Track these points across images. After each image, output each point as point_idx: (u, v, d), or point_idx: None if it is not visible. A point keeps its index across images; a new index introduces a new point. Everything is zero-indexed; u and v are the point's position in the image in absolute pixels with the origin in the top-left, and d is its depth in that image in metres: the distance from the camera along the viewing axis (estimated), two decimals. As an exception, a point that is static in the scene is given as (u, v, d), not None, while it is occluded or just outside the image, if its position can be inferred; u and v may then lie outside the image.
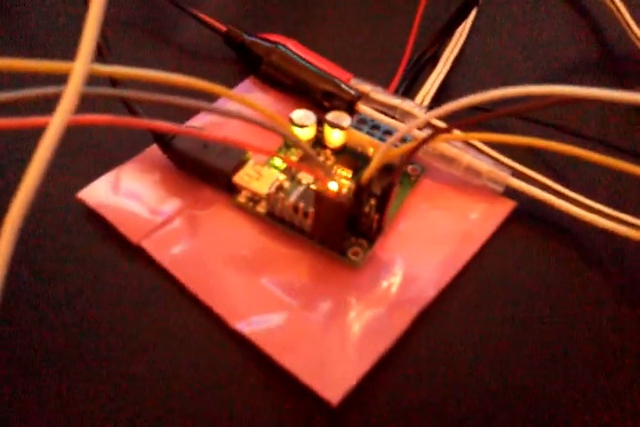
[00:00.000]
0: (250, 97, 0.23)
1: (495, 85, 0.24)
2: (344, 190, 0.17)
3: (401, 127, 0.20)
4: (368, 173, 0.17)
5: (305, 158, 0.21)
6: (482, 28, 0.27)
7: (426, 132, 0.20)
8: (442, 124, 0.20)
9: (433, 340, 0.18)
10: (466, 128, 0.19)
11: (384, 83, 0.22)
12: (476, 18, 0.27)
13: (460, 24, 0.25)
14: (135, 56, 0.25)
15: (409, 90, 0.23)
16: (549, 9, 0.28)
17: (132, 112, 0.19)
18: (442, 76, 0.23)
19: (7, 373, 0.16)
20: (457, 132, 0.19)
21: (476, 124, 0.17)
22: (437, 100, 0.23)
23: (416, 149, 0.16)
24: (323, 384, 0.16)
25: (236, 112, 0.14)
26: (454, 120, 0.16)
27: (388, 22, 0.27)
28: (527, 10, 0.28)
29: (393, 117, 0.21)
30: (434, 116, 0.15)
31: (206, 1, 0.26)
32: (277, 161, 0.20)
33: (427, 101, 0.22)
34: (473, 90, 0.24)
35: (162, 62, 0.24)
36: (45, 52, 0.24)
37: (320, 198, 0.17)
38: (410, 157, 0.16)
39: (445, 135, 0.16)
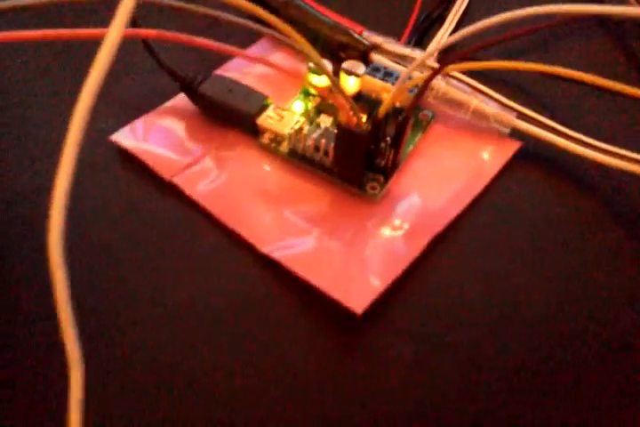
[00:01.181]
0: (270, 51, 0.24)
1: (497, 47, 0.26)
2: (360, 125, 0.18)
3: (414, 73, 0.22)
4: (384, 108, 0.18)
5: (322, 105, 0.22)
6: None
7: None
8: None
9: (444, 265, 0.19)
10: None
11: (394, 37, 0.24)
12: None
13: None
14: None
15: (419, 45, 0.24)
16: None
17: (154, 57, 0.20)
18: (449, 32, 0.25)
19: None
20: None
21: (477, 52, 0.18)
22: (446, 52, 0.24)
23: (428, 81, 0.17)
24: (348, 296, 0.17)
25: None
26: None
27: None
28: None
29: (404, 66, 0.22)
30: (432, 53, 0.17)
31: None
32: (297, 107, 0.22)
33: (435, 53, 0.24)
34: (474, 44, 0.26)
35: (173, 20, 0.26)
36: None
37: (342, 130, 0.18)
38: (423, 90, 0.18)
39: (452, 66, 0.17)
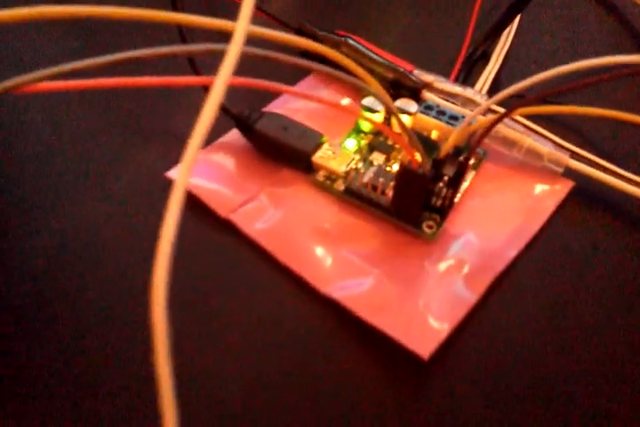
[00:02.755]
0: (316, 89, 0.24)
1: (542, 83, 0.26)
2: (421, 166, 0.18)
3: (466, 112, 0.22)
4: (445, 149, 0.18)
5: (375, 142, 0.22)
6: (527, 27, 0.28)
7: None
8: (500, 110, 0.22)
9: (505, 306, 0.19)
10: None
11: (441, 75, 0.24)
12: (521, 17, 0.28)
13: (512, 20, 0.26)
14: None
15: (465, 82, 0.24)
16: (584, 9, 0.30)
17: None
18: (495, 69, 0.25)
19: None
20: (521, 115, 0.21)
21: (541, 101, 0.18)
22: (493, 90, 0.24)
23: (494, 124, 0.17)
24: (414, 341, 0.17)
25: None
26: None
27: (443, 17, 0.28)
28: (566, 10, 0.30)
29: (455, 104, 0.22)
30: (500, 100, 0.17)
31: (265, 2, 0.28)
32: (349, 144, 0.22)
33: (484, 90, 0.24)
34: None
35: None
36: None
37: (405, 172, 0.18)
38: (488, 132, 0.18)
39: (522, 109, 0.17)
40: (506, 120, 0.22)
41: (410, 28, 0.28)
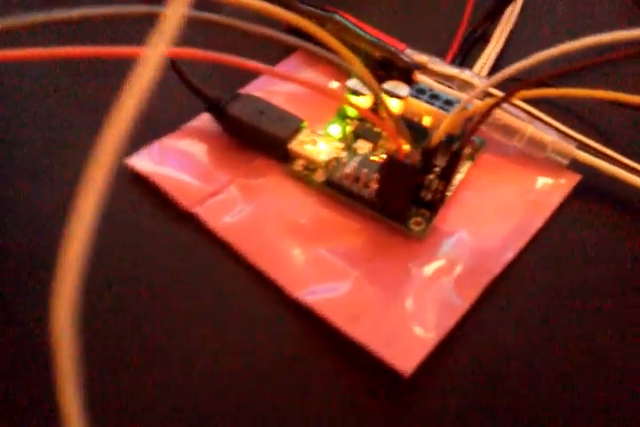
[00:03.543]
0: (299, 69, 0.22)
1: (548, 63, 0.24)
2: (409, 156, 0.16)
3: (463, 96, 0.19)
4: (437, 137, 0.16)
5: (360, 129, 0.20)
6: (532, 5, 0.26)
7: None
8: (499, 93, 0.19)
9: (500, 313, 0.17)
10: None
11: (436, 56, 0.22)
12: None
13: (509, 3, 0.24)
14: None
15: (463, 64, 0.22)
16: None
17: (180, 74, 0.18)
18: (496, 51, 0.23)
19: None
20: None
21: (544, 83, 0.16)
22: (493, 74, 0.22)
23: (491, 109, 0.15)
24: (394, 355, 0.15)
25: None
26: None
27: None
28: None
29: (449, 87, 0.20)
30: (500, 80, 0.15)
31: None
32: (333, 130, 0.20)
33: (483, 73, 0.22)
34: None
35: (207, 36, 0.24)
36: None
37: (391, 161, 0.16)
38: (485, 118, 0.15)
39: (523, 92, 0.15)
40: (506, 106, 0.20)
41: (402, 3, 0.25)
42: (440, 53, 0.22)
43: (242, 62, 0.14)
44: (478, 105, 0.16)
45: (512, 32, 0.24)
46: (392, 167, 0.16)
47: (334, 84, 0.22)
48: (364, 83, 0.15)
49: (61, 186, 0.19)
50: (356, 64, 0.15)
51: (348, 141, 0.19)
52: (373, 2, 0.25)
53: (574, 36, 0.26)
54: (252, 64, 0.15)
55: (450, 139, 0.18)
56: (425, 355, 0.15)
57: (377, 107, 0.20)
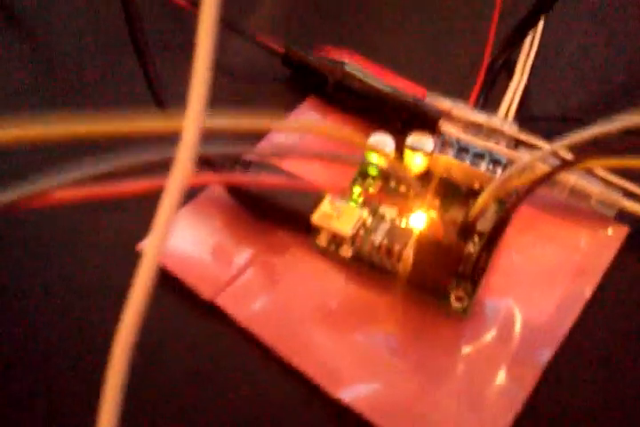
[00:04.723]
0: (311, 122, 0.20)
1: (578, 93, 0.22)
2: (446, 231, 0.15)
3: (506, 152, 0.18)
4: (478, 209, 0.15)
5: (385, 189, 0.18)
6: (554, 34, 0.24)
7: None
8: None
9: (559, 396, 0.15)
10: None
11: (458, 96, 0.20)
12: (546, 24, 0.24)
13: (530, 28, 0.22)
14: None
15: (486, 104, 0.20)
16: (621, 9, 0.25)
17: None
18: (521, 87, 0.21)
19: None
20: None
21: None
22: (521, 112, 0.20)
23: (550, 177, 0.13)
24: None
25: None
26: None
27: (452, 29, 0.24)
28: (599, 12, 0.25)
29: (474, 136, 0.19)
30: (561, 148, 0.13)
31: (249, 18, 0.24)
32: (359, 199, 0.18)
33: (511, 113, 0.20)
34: (556, 99, 0.22)
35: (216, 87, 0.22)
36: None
37: (427, 243, 0.14)
38: (532, 190, 0.14)
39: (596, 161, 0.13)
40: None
41: (415, 39, 0.24)
42: (460, 91, 0.20)
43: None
44: (533, 174, 0.14)
45: (536, 59, 0.22)
46: (429, 248, 0.15)
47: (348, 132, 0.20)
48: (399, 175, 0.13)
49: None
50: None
51: (373, 205, 0.18)
52: (380, 38, 0.23)
53: (605, 58, 0.23)
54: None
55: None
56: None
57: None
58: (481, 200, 0.15)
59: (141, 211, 0.18)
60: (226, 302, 0.16)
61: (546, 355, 0.15)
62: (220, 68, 0.23)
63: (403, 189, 0.18)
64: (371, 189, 0.18)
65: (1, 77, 0.22)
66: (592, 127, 0.13)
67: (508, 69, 0.22)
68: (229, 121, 0.09)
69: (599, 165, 0.14)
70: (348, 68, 0.19)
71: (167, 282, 0.17)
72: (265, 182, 0.15)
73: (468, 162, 0.18)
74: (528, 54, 0.22)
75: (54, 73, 0.23)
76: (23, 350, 0.16)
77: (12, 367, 0.16)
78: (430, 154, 0.18)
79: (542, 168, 0.16)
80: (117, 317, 0.09)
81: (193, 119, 0.08)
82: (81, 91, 0.22)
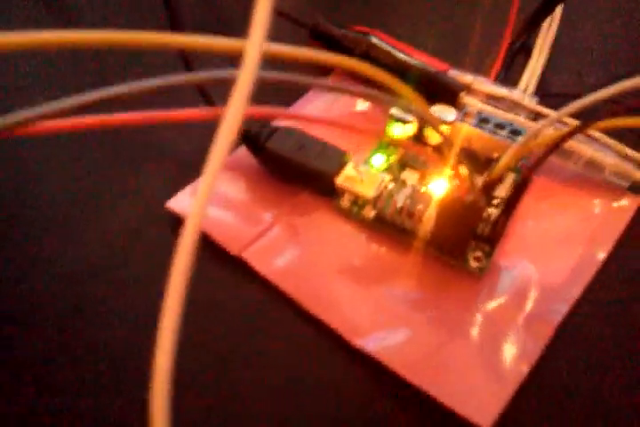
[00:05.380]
0: (334, 96, 0.21)
1: (595, 72, 0.23)
2: (469, 192, 0.15)
3: (520, 121, 0.18)
4: (500, 169, 0.15)
5: (406, 158, 0.19)
6: (572, 16, 0.25)
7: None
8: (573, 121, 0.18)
9: (571, 354, 0.16)
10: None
11: (479, 72, 0.21)
12: (565, 7, 0.24)
13: (548, 14, 0.23)
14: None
15: (506, 79, 0.21)
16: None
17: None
18: (540, 64, 0.22)
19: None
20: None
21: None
22: (540, 89, 0.21)
23: (564, 140, 0.14)
24: (471, 409, 0.14)
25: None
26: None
27: (468, 7, 0.25)
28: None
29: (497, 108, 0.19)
30: (567, 114, 0.14)
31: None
32: (377, 161, 0.19)
33: (530, 90, 0.21)
34: (572, 77, 0.22)
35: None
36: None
37: (450, 202, 0.15)
38: (554, 149, 0.14)
39: (603, 122, 0.14)
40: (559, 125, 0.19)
41: (437, 19, 0.24)
42: (481, 68, 0.21)
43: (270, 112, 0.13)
44: (545, 136, 0.14)
45: (554, 40, 0.23)
46: (452, 206, 0.15)
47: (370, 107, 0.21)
48: (419, 113, 0.14)
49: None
50: (408, 93, 0.13)
51: (395, 172, 0.18)
52: (405, 18, 0.24)
53: (622, 39, 0.24)
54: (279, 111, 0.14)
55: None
56: (503, 406, 0.14)
57: (423, 134, 0.19)
58: (501, 164, 0.15)
59: (162, 173, 0.19)
60: (252, 256, 0.17)
61: (560, 312, 0.16)
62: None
63: (422, 158, 0.19)
64: (392, 157, 0.19)
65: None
66: (593, 93, 0.13)
67: (527, 50, 0.23)
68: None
69: (605, 128, 0.14)
70: (374, 40, 0.20)
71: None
72: (315, 119, 0.15)
73: (487, 132, 0.18)
74: (546, 35, 0.23)
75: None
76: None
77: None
78: (452, 123, 0.18)
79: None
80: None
81: (255, 42, 0.08)
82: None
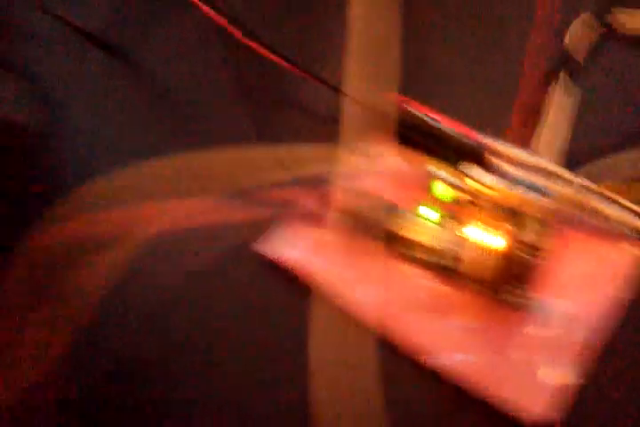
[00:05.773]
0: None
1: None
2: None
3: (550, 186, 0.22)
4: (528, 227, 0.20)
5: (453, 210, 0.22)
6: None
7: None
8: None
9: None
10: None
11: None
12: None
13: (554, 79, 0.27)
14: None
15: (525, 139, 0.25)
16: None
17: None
18: (561, 126, 0.25)
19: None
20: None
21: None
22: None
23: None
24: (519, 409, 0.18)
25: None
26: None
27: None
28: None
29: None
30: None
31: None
32: (425, 211, 0.22)
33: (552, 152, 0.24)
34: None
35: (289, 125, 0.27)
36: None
37: (511, 256, 0.19)
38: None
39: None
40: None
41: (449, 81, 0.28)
42: (498, 127, 0.24)
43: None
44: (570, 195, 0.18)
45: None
46: (511, 260, 0.20)
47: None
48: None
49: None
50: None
51: (441, 221, 0.22)
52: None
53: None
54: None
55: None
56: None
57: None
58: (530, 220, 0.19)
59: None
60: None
61: (595, 344, 0.20)
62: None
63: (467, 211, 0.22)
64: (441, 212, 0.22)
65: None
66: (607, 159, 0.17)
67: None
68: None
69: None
70: (411, 109, 0.23)
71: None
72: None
73: (519, 191, 0.22)
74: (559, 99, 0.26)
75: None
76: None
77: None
78: (489, 186, 0.22)
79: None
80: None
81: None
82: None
